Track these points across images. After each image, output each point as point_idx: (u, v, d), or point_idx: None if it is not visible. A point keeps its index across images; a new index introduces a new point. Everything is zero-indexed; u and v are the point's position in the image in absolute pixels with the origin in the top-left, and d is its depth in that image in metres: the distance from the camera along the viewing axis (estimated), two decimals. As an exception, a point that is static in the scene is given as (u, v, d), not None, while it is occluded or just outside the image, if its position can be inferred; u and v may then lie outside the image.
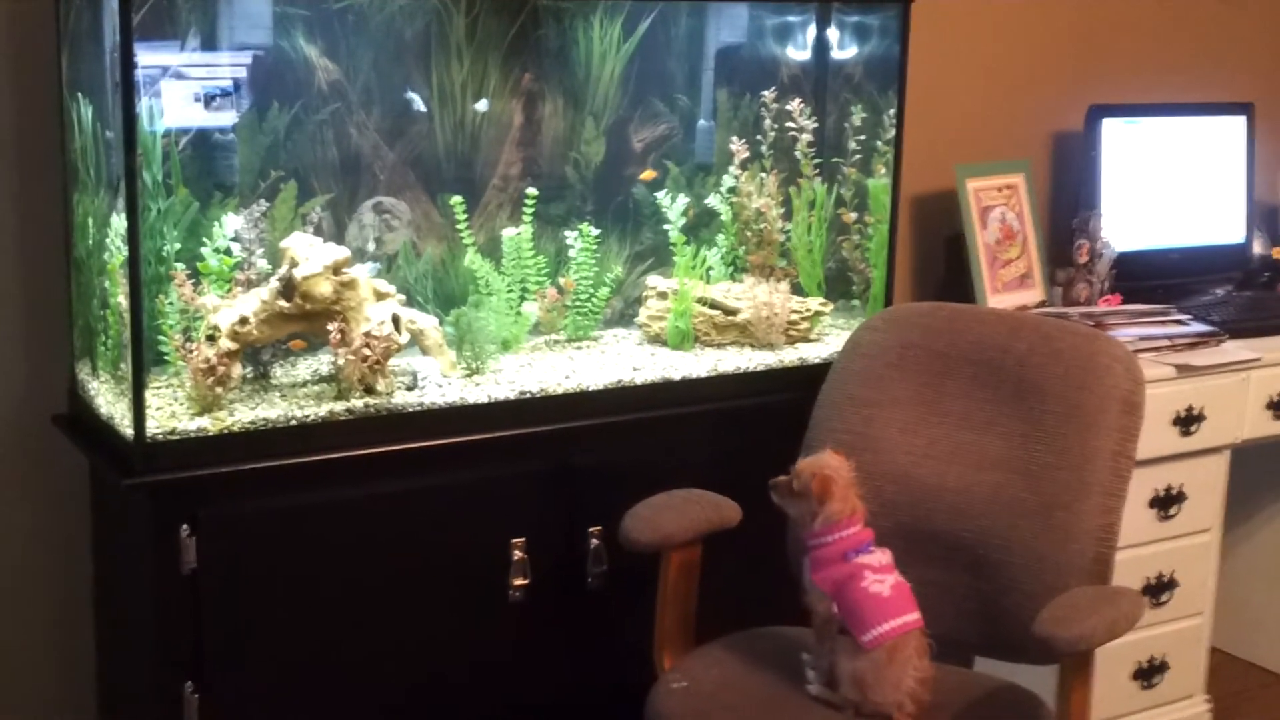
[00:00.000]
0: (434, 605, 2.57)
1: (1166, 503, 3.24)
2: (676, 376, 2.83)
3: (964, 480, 2.57)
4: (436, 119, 2.86)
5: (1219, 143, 3.81)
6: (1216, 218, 3.81)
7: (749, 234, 3.11)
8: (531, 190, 2.89)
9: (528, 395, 2.66)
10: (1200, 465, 3.27)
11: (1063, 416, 2.51)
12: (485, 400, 2.62)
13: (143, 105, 2.43)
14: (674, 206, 3.01)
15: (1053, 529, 2.46)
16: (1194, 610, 3.35)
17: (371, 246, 2.81)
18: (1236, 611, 3.87)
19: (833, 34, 3.23)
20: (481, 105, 2.84)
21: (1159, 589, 3.27)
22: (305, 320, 2.56)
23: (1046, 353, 2.57)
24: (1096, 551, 2.45)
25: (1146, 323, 3.33)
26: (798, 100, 3.11)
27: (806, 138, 3.10)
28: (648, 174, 3.08)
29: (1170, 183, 3.72)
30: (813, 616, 2.44)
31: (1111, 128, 3.59)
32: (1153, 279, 3.62)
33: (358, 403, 2.52)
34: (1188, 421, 3.21)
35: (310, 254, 2.55)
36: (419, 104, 2.81)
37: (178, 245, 2.56)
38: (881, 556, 2.40)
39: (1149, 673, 3.30)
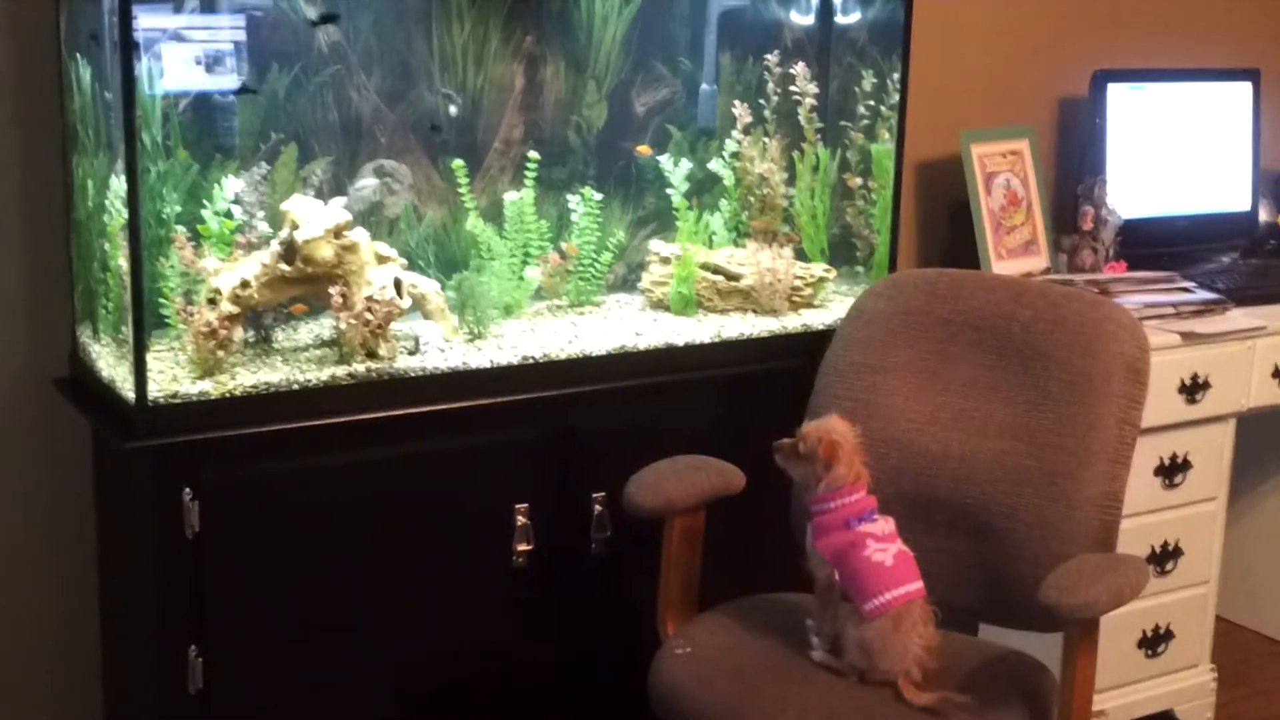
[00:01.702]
0: (437, 570, 2.57)
1: (1172, 471, 3.23)
2: (679, 342, 2.81)
3: (968, 447, 2.56)
4: (437, 81, 2.84)
5: (1225, 109, 3.79)
6: (1223, 185, 3.80)
7: (752, 199, 3.09)
8: (533, 154, 2.87)
9: (530, 360, 2.65)
10: (1205, 433, 3.26)
11: (1067, 383, 2.50)
12: (487, 365, 2.61)
13: (142, 66, 2.41)
14: (676, 171, 2.99)
15: (1057, 496, 2.45)
16: (1199, 579, 3.34)
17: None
18: (1242, 580, 3.87)
19: (837, -2, 3.21)
20: (452, 110, 2.82)
21: (1164, 557, 3.26)
22: (307, 284, 2.54)
23: (1051, 319, 2.56)
24: (1101, 519, 2.44)
25: (1152, 290, 3.32)
26: (801, 64, 3.09)
27: (810, 102, 3.08)
28: (644, 149, 3.06)
29: (1176, 149, 3.70)
30: (815, 583, 2.43)
31: (1117, 93, 3.57)
32: (1158, 246, 3.60)
33: (359, 367, 2.51)
34: (1193, 389, 3.20)
35: (311, 217, 2.53)
36: (453, 105, 2.81)
37: (178, 208, 2.54)
38: (884, 525, 2.39)
39: (1154, 641, 3.30)
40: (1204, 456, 3.27)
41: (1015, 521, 2.48)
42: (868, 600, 2.33)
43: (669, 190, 3.01)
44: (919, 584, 2.37)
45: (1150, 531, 3.23)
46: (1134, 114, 3.61)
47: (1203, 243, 3.74)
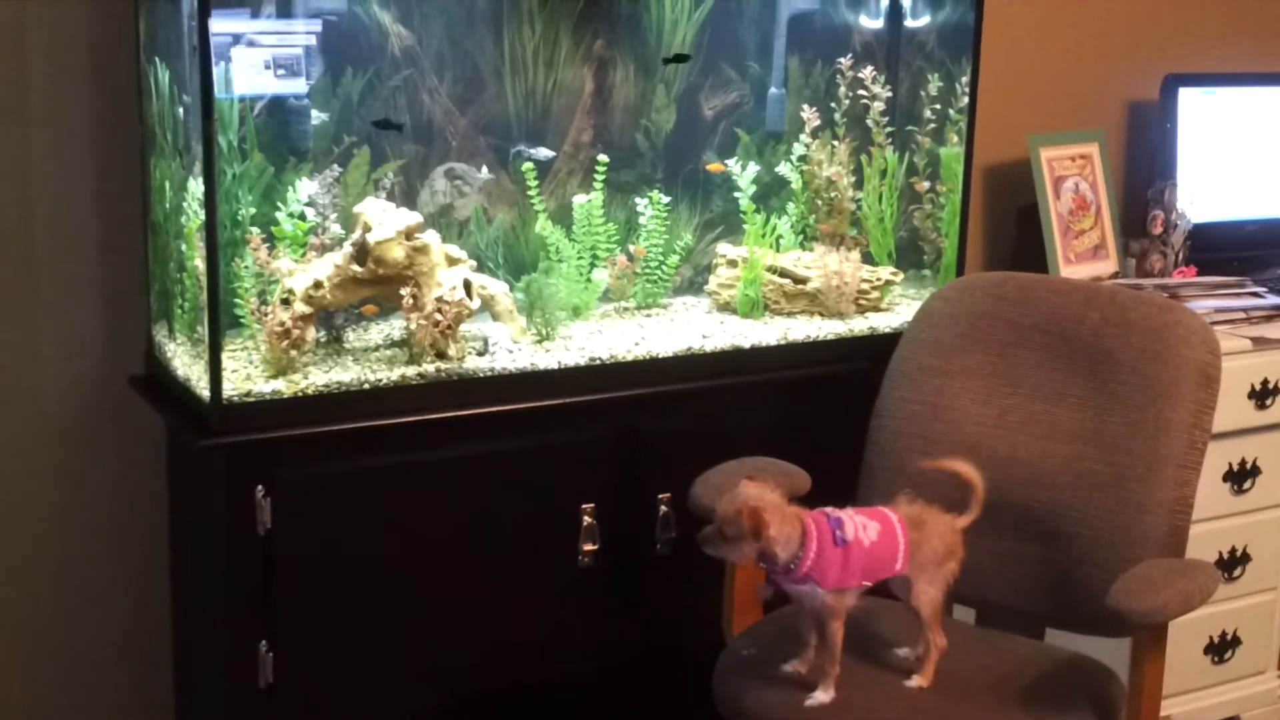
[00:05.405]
0: (504, 569, 2.59)
1: (1240, 477, 3.20)
2: (746, 345, 2.82)
3: (1036, 451, 2.55)
4: (508, 85, 2.86)
5: (1298, 113, 3.75)
6: (1294, 189, 3.76)
7: (819, 202, 3.10)
8: (603, 157, 2.89)
9: (597, 362, 2.67)
10: (1275, 439, 3.23)
11: (1137, 388, 2.49)
12: (555, 366, 2.63)
13: (219, 71, 2.45)
14: (744, 175, 3.00)
15: (1126, 501, 2.44)
16: (1267, 585, 3.32)
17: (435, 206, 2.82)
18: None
19: (906, 1, 3.20)
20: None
21: (1232, 564, 3.24)
22: (378, 285, 2.57)
23: (1121, 323, 2.55)
24: (1171, 524, 2.43)
25: (1221, 295, 3.30)
26: (869, 68, 3.09)
27: (879, 106, 3.08)
28: (715, 166, 3.06)
29: (1247, 154, 3.67)
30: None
31: (1188, 97, 3.55)
32: (1228, 251, 3.57)
33: (429, 367, 2.54)
34: (1263, 395, 3.17)
35: (383, 219, 2.56)
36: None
37: (253, 209, 2.58)
38: (843, 514, 2.31)
39: (1220, 648, 3.27)
40: (1273, 462, 3.24)
41: (1083, 526, 2.47)
42: (900, 561, 2.31)
43: (736, 194, 3.02)
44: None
45: (1218, 537, 3.21)
46: (1205, 118, 3.58)
47: (1273, 248, 3.70)
